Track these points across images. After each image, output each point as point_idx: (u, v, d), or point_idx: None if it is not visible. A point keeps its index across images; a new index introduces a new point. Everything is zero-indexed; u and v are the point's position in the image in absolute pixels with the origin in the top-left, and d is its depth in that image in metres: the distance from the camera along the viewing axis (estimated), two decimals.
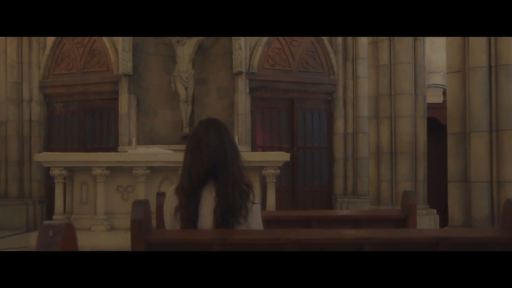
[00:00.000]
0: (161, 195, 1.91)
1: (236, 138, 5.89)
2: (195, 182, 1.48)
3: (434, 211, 4.82)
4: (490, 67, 3.07)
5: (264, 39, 6.46)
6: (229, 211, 1.45)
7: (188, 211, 1.47)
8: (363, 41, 6.27)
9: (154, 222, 1.73)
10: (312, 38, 6.70)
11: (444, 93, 5.26)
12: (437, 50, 7.15)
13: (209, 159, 1.48)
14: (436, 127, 5.36)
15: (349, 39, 6.67)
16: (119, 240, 4.24)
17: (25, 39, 6.64)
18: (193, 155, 1.50)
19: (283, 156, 4.74)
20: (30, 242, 4.50)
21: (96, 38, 6.50)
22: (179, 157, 1.57)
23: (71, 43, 6.67)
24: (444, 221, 3.71)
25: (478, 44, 3.05)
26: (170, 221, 1.52)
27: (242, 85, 6.35)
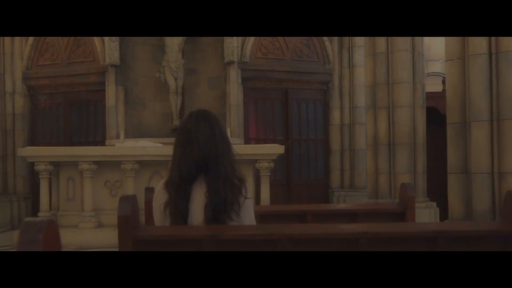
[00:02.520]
0: (150, 190, 1.81)
1: (228, 130, 5.78)
2: (185, 176, 1.43)
3: (434, 204, 4.75)
4: (490, 54, 3.00)
5: None
6: (221, 207, 1.41)
7: (178, 206, 1.43)
8: None
9: (143, 219, 1.65)
10: None
11: (444, 82, 5.18)
12: (436, 37, 7.04)
13: (199, 153, 1.44)
14: (435, 117, 5.27)
15: None
16: (107, 238, 4.14)
17: None
18: (183, 148, 1.46)
19: (277, 149, 4.65)
20: (14, 240, 4.35)
21: None
22: (169, 150, 1.55)
23: None
24: (444, 214, 3.63)
25: None
26: (160, 217, 1.48)
27: (234, 75, 6.20)
